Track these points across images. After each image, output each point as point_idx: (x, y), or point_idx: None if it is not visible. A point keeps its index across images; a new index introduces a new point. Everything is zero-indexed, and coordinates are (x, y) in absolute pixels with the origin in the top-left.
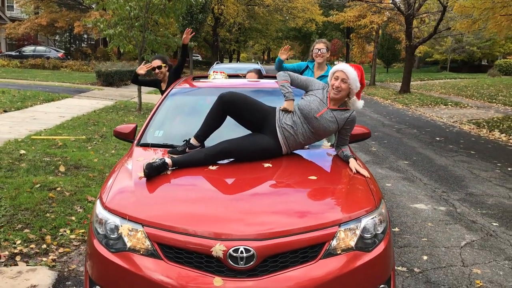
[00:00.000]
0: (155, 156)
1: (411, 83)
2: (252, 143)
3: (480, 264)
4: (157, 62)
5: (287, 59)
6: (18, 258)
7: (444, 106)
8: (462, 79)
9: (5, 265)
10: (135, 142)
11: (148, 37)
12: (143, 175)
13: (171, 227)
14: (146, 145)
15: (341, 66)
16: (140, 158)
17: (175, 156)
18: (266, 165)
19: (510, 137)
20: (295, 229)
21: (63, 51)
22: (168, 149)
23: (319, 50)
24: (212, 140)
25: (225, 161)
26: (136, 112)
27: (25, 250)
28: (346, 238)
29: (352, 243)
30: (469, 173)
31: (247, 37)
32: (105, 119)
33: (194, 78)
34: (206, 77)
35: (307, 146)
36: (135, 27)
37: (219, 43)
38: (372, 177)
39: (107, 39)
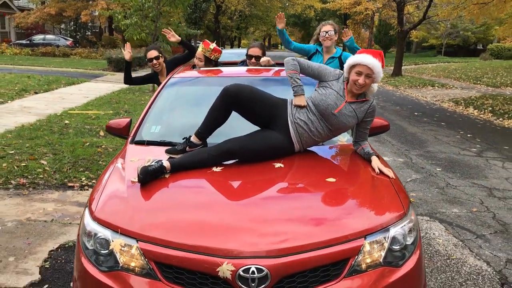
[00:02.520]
0: (150, 157)
1: (405, 67)
2: (261, 140)
3: (416, 190)
4: (153, 53)
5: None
6: (86, 187)
7: (431, 87)
8: (455, 63)
9: (80, 190)
10: (129, 139)
11: (160, 26)
12: (137, 181)
13: (169, 242)
14: (141, 143)
15: (365, 59)
16: (134, 158)
17: (174, 156)
18: (277, 165)
19: (481, 112)
20: (315, 243)
21: (71, 39)
22: (166, 147)
23: (327, 32)
24: (215, 137)
25: (231, 161)
26: (150, 93)
27: (89, 183)
28: (372, 251)
29: (380, 258)
30: (433, 138)
31: (248, 24)
32: (124, 98)
33: (193, 67)
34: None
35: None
36: (148, 17)
37: (221, 30)
38: (397, 177)
39: (122, 28)
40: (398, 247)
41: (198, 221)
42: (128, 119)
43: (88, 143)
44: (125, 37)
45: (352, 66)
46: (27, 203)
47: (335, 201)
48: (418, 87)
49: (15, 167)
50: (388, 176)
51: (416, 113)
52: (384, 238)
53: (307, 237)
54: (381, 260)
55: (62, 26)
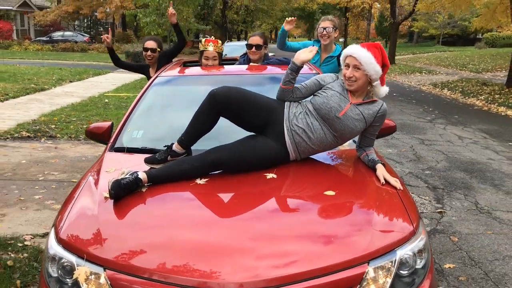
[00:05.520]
0: (125, 168)
1: (403, 56)
2: (251, 150)
3: None
4: (151, 43)
5: (295, 37)
6: None
7: (419, 74)
8: (450, 52)
9: None
10: (108, 145)
11: None
12: (109, 197)
13: (143, 270)
14: (121, 150)
15: (350, 49)
16: (111, 168)
17: (153, 166)
18: (269, 175)
19: (453, 92)
20: (310, 271)
21: (88, 35)
22: (149, 155)
23: (324, 29)
24: (202, 141)
25: (217, 171)
26: None
27: None
28: (377, 278)
29: (386, 286)
30: (399, 110)
31: (254, 18)
32: None
33: (185, 64)
34: (197, 61)
35: None
36: (164, 16)
37: (228, 25)
38: (406, 189)
39: (142, 25)
40: (407, 271)
41: (177, 244)
42: (109, 123)
43: None
44: (145, 33)
45: (343, 61)
46: (96, 148)
47: (334, 219)
48: (407, 73)
49: (80, 128)
50: (395, 188)
51: (394, 94)
52: (391, 262)
53: (301, 265)
54: None
55: (76, 22)
